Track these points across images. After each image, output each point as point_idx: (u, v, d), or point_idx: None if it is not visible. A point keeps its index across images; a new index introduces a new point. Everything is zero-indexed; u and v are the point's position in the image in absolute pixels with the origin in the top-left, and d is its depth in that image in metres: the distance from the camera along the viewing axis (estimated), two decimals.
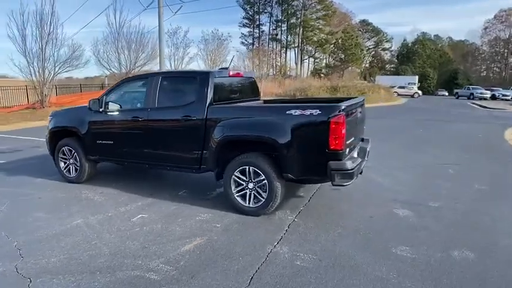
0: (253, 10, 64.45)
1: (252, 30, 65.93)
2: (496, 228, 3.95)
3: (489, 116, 19.04)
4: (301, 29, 62.01)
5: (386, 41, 73.45)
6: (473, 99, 37.24)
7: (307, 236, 3.77)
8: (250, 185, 4.26)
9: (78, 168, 5.63)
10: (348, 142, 4.00)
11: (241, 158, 4.29)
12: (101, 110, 5.23)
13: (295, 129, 3.92)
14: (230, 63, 6.98)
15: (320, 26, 63.16)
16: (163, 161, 4.95)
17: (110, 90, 5.40)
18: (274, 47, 65.91)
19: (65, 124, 5.72)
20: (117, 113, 5.17)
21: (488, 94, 38.08)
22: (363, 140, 5.31)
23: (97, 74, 26.37)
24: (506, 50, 64.46)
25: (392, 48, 74.03)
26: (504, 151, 8.68)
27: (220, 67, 6.70)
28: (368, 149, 4.98)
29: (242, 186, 4.32)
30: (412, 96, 41.66)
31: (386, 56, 75.26)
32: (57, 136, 5.82)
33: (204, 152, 4.53)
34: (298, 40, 63.49)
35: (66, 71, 20.14)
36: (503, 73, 64.75)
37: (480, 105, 27.29)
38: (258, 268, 3.11)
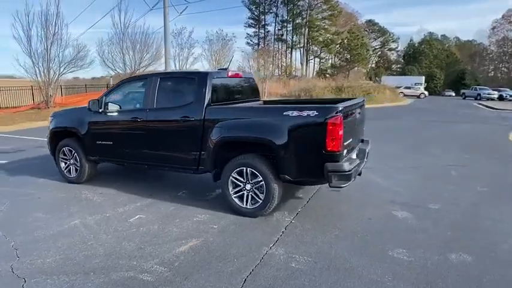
0: (259, 10, 64.47)
1: (257, 30, 65.99)
2: (495, 232, 3.89)
3: (495, 117, 18.82)
4: (307, 29, 61.91)
5: (393, 41, 73.10)
6: (480, 99, 36.87)
7: (304, 237, 3.75)
8: (248, 186, 4.25)
9: (78, 168, 5.66)
10: (345, 143, 3.96)
11: (239, 159, 4.28)
12: (100, 110, 5.25)
13: (292, 130, 3.89)
14: (229, 64, 6.98)
15: (326, 26, 63.02)
16: (162, 162, 4.96)
17: (109, 91, 5.42)
18: (280, 47, 65.88)
19: (65, 125, 5.75)
20: (116, 113, 5.19)
21: (495, 95, 37.70)
22: (362, 141, 5.27)
23: (103, 74, 26.48)
24: None
25: (399, 48, 73.71)
26: (508, 153, 8.56)
27: (220, 68, 6.68)
28: (367, 150, 4.93)
29: (240, 187, 4.31)
30: (418, 96, 41.35)
31: (393, 56, 74.85)
32: (57, 136, 5.85)
33: (202, 152, 4.53)
34: (304, 40, 63.40)
35: (71, 72, 20.30)
36: None
37: (487, 106, 26.99)
38: (252, 270, 3.09)
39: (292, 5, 61.23)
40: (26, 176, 6.26)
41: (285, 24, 64.20)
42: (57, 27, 18.43)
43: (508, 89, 40.05)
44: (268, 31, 65.61)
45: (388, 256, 3.33)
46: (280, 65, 61.29)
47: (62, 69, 19.32)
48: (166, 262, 3.24)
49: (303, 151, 3.92)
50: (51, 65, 18.67)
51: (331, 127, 3.71)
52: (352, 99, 4.95)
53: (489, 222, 4.16)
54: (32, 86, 19.74)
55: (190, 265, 3.19)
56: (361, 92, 27.90)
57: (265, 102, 6.08)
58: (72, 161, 5.72)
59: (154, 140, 4.89)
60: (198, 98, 4.55)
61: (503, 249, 3.48)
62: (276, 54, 59.04)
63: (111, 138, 5.28)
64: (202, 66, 33.20)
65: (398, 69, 68.82)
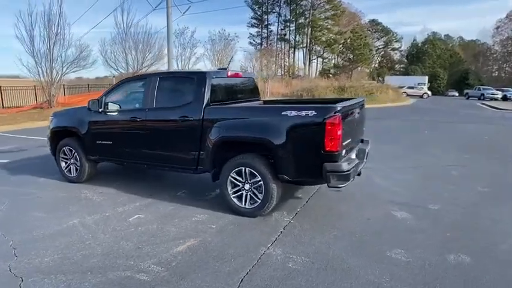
0: (262, 10, 64.40)
1: (260, 30, 65.92)
2: (495, 233, 3.87)
3: (499, 117, 18.72)
4: (310, 29, 61.81)
5: (396, 41, 72.87)
6: (483, 99, 36.68)
7: (302, 238, 3.74)
8: (247, 186, 4.25)
9: (78, 168, 5.68)
10: (344, 143, 3.95)
11: (238, 159, 4.27)
12: (100, 110, 5.26)
13: (290, 130, 3.89)
14: (229, 64, 6.98)
15: (329, 26, 62.88)
16: (161, 162, 4.96)
17: (109, 91, 5.43)
18: (283, 47, 65.86)
19: (65, 124, 5.77)
20: (116, 113, 5.20)
21: (499, 95, 37.47)
22: (362, 141, 5.25)
23: (107, 74, 26.55)
24: None
25: (402, 48, 73.49)
26: (510, 153, 8.50)
27: (219, 67, 6.67)
28: (367, 151, 4.91)
29: (238, 187, 4.30)
30: (421, 96, 41.19)
31: (396, 56, 74.64)
32: (58, 136, 5.87)
33: (201, 152, 4.52)
34: (307, 40, 63.31)
35: (73, 71, 20.34)
36: None
37: (490, 106, 26.86)
38: (249, 270, 3.09)
39: (295, 5, 61.16)
40: (26, 175, 6.28)
41: (288, 24, 64.13)
42: (59, 27, 18.50)
43: (511, 89, 39.78)
44: (271, 31, 65.63)
45: (386, 257, 3.32)
46: (283, 64, 61.32)
47: (64, 69, 19.40)
48: (164, 262, 3.24)
49: (302, 151, 3.91)
50: (53, 64, 18.73)
51: (329, 127, 3.69)
52: (352, 99, 4.93)
53: (489, 223, 4.13)
54: (35, 86, 19.84)
55: (187, 265, 3.18)
56: (364, 92, 27.84)
57: (265, 102, 6.07)
58: (72, 161, 5.73)
59: (153, 140, 4.89)
60: (197, 98, 4.54)
61: (502, 250, 3.46)
62: (278, 54, 59.09)
63: (110, 138, 5.29)
64: (204, 66, 33.21)
65: (401, 69, 68.55)
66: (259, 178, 4.11)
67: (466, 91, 43.98)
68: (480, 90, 40.21)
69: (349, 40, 62.02)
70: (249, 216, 4.25)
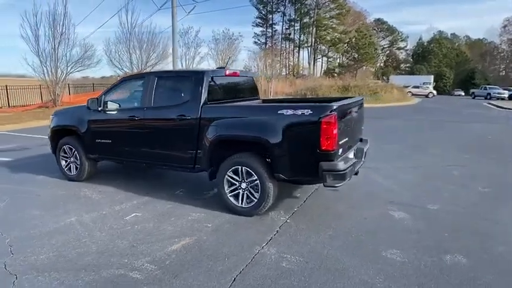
0: (266, 9, 64.34)
1: (265, 29, 65.86)
2: (493, 234, 3.82)
3: (504, 116, 18.53)
4: (315, 28, 61.61)
5: (402, 40, 72.36)
6: (490, 99, 36.30)
7: (297, 237, 3.72)
8: (243, 185, 4.24)
9: (78, 166, 5.71)
10: (341, 142, 3.93)
11: (234, 158, 4.27)
12: (99, 109, 5.28)
13: (286, 129, 3.87)
14: (227, 63, 6.98)
15: (333, 25, 62.62)
16: (159, 160, 4.97)
17: (108, 90, 5.45)
18: (287, 46, 65.73)
19: (66, 123, 5.81)
20: (114, 112, 5.21)
21: (506, 94, 37.03)
22: (361, 140, 5.22)
23: (113, 73, 26.70)
24: None
25: (408, 47, 72.99)
26: None
27: (218, 66, 6.67)
28: (365, 150, 4.88)
29: (235, 186, 4.30)
30: (427, 96, 40.92)
31: (402, 55, 74.15)
32: (58, 135, 5.91)
33: (198, 151, 4.53)
34: (311, 39, 63.12)
35: (77, 71, 20.54)
36: None
37: (496, 106, 26.58)
38: (242, 269, 3.08)
39: (299, 4, 60.98)
40: (28, 173, 6.33)
41: (293, 23, 64.00)
42: (64, 27, 18.71)
43: None
44: (276, 30, 65.56)
45: (381, 257, 3.29)
46: (287, 64, 61.21)
47: (69, 69, 19.59)
48: (158, 260, 3.25)
49: (298, 150, 3.90)
50: (58, 64, 18.92)
51: (325, 126, 3.67)
52: (350, 98, 4.90)
53: (488, 223, 4.09)
54: (40, 85, 20.01)
55: (180, 263, 3.18)
56: (368, 91, 27.68)
57: (264, 101, 6.06)
58: (72, 159, 5.76)
59: (151, 139, 4.90)
60: (194, 97, 4.55)
61: (500, 251, 3.41)
62: (283, 53, 59.00)
63: (109, 137, 5.31)
64: (208, 65, 33.27)
65: (407, 69, 68.11)
66: (256, 177, 4.10)
67: (472, 90, 43.54)
68: (486, 89, 39.81)
69: (354, 39, 61.81)
70: (245, 215, 4.24)
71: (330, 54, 67.64)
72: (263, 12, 64.81)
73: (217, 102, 4.70)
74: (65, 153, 5.83)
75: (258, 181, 4.10)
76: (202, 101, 4.49)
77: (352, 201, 4.84)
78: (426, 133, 11.68)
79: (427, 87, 43.87)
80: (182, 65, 29.28)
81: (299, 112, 3.82)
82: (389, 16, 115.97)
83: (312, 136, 3.75)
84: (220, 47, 31.92)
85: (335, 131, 3.70)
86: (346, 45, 64.09)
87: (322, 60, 68.62)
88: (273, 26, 65.08)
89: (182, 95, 4.72)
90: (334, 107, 3.73)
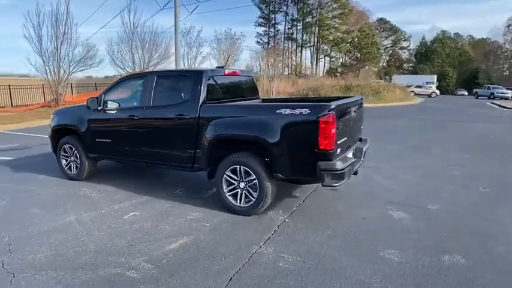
0: (269, 9, 64.26)
1: (267, 29, 65.76)
2: (493, 234, 3.79)
3: (507, 116, 18.42)
4: (317, 28, 61.48)
5: (404, 40, 72.01)
6: (493, 99, 36.08)
7: (295, 237, 3.71)
8: (242, 185, 4.24)
9: (78, 165, 5.72)
10: (339, 142, 3.91)
11: (233, 157, 4.26)
12: (99, 108, 5.29)
13: (285, 128, 3.86)
14: (226, 62, 6.96)
15: (336, 25, 62.45)
16: (159, 160, 4.98)
17: (108, 89, 5.46)
18: (290, 46, 65.66)
19: (66, 122, 5.82)
20: (114, 111, 5.22)
21: (509, 94, 36.77)
22: (361, 140, 5.20)
23: (116, 73, 26.78)
24: None
25: (411, 47, 72.60)
26: None
27: (217, 66, 6.67)
28: (365, 150, 4.86)
29: (233, 186, 4.29)
30: (430, 95, 40.74)
31: (404, 55, 73.82)
32: (58, 134, 5.93)
33: (197, 150, 4.52)
34: (314, 39, 63.01)
35: (80, 71, 20.57)
36: None
37: (500, 105, 26.43)
38: (239, 269, 3.07)
39: (302, 4, 60.91)
40: (28, 172, 6.36)
41: (295, 23, 63.88)
42: (67, 27, 18.74)
43: None
44: (278, 30, 65.47)
45: (379, 257, 3.28)
46: (290, 63, 61.14)
47: (71, 68, 19.62)
48: (155, 259, 3.25)
49: (296, 149, 3.89)
50: (61, 64, 18.96)
51: (323, 125, 3.66)
52: (349, 97, 4.89)
53: (488, 223, 4.06)
54: (43, 85, 20.09)
55: (177, 263, 3.18)
56: (371, 91, 27.63)
57: (263, 100, 6.05)
58: (72, 158, 5.78)
59: (150, 138, 4.90)
60: (193, 96, 4.54)
61: (499, 251, 3.39)
62: (285, 53, 58.94)
63: (109, 136, 5.32)
64: (210, 64, 33.22)
65: (409, 68, 67.85)
66: (254, 176, 4.10)
67: (475, 90, 43.31)
68: (490, 89, 39.57)
69: (356, 39, 61.62)
70: (243, 214, 4.24)
71: (332, 54, 67.50)
72: (265, 12, 64.76)
73: (216, 102, 4.70)
74: (65, 152, 5.84)
75: (256, 180, 4.09)
76: (201, 100, 4.49)
77: (352, 201, 4.82)
78: (428, 133, 11.64)
79: (430, 86, 43.66)
80: (184, 65, 29.30)
81: (297, 111, 3.81)
82: (392, 16, 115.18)
83: (310, 135, 3.74)
84: (223, 47, 31.92)
85: (333, 131, 3.68)
86: (348, 44, 63.90)
87: (324, 60, 68.59)
88: (276, 25, 65.09)
89: (181, 94, 4.72)
90: (332, 107, 3.72)
